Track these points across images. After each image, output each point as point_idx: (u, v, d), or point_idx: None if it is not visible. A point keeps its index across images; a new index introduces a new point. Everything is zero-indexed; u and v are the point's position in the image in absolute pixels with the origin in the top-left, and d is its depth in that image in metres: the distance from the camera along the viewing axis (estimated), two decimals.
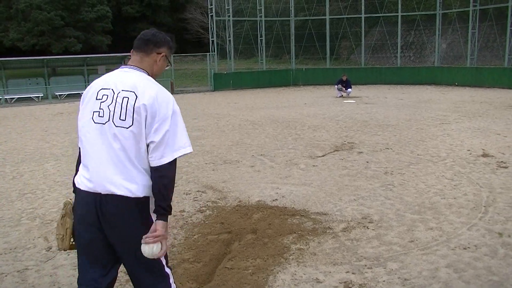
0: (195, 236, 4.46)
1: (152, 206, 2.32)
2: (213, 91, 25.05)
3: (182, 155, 2.31)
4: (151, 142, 2.23)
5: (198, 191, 6.09)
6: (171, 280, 2.46)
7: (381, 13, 26.89)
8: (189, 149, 2.35)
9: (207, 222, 4.86)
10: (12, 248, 4.37)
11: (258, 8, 26.72)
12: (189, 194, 5.96)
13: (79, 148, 2.43)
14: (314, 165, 7.28)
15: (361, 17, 26.56)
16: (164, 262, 2.43)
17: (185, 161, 7.83)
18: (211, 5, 24.77)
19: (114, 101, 2.27)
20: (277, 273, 3.63)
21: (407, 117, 12.32)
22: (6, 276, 3.77)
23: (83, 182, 2.32)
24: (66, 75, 29.01)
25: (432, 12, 25.84)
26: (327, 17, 26.97)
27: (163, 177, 2.25)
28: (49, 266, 3.93)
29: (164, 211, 2.24)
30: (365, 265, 3.71)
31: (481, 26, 23.17)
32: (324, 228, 4.54)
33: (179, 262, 3.86)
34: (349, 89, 19.00)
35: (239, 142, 9.50)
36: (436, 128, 10.37)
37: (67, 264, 3.94)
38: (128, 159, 2.25)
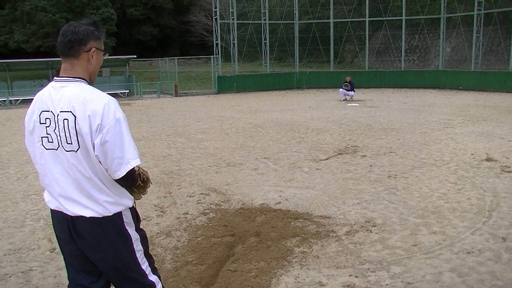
0: (198, 239, 4.46)
1: (126, 219, 2.29)
2: (217, 93, 25.09)
3: (132, 168, 2.21)
4: (97, 156, 2.12)
5: (201, 193, 6.10)
6: (158, 287, 2.44)
7: (385, 17, 26.89)
8: (137, 161, 2.24)
9: (210, 224, 4.87)
10: (16, 249, 4.39)
11: (262, 11, 26.76)
12: (193, 196, 5.98)
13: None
14: (317, 169, 7.28)
15: (365, 20, 26.57)
16: (147, 271, 2.39)
17: (189, 164, 7.85)
18: (216, 8, 24.83)
19: (56, 124, 2.14)
20: (280, 276, 3.63)
21: (411, 121, 12.30)
22: (10, 277, 3.79)
23: (51, 201, 2.28)
24: None
25: (436, 16, 25.83)
26: (331, 20, 26.99)
27: (125, 184, 2.28)
28: (53, 267, 3.95)
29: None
30: (368, 269, 3.70)
31: (485, 30, 23.12)
32: (328, 232, 4.54)
33: (183, 264, 3.87)
34: (351, 92, 18.95)
35: (243, 145, 9.51)
36: (440, 132, 10.35)
37: None
38: (87, 180, 2.17)
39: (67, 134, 2.12)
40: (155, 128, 12.65)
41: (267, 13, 26.68)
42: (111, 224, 2.22)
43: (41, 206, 5.78)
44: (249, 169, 7.37)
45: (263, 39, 26.95)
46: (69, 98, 2.14)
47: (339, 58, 29.01)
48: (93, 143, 2.10)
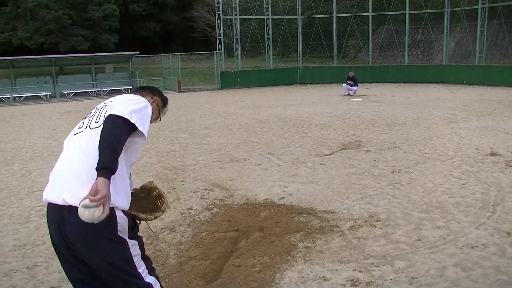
0: (202, 234, 4.47)
1: (120, 227, 2.26)
2: (220, 89, 25.08)
3: (121, 116, 2.23)
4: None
5: (205, 189, 6.11)
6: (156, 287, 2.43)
7: (388, 11, 26.76)
8: (130, 118, 2.25)
9: (214, 220, 4.88)
10: (21, 245, 4.41)
11: (265, 6, 26.70)
12: (197, 192, 5.98)
13: None
14: (321, 164, 7.27)
15: (368, 15, 26.46)
16: (143, 273, 2.37)
17: (192, 159, 7.85)
18: (218, 3, 24.78)
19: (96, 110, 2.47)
20: (284, 270, 3.63)
21: (415, 116, 12.26)
22: (15, 272, 3.81)
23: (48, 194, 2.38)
24: (74, 74, 29.19)
25: (440, 10, 25.68)
26: (335, 15, 26.89)
27: (104, 129, 2.19)
28: (58, 263, 3.95)
29: (103, 166, 2.07)
30: (372, 263, 3.70)
31: (489, 24, 22.99)
32: (331, 226, 4.54)
33: (187, 259, 3.88)
34: (355, 87, 18.89)
35: (246, 140, 9.51)
36: (444, 127, 10.32)
37: None
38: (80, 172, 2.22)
39: (97, 116, 2.38)
40: (158, 124, 12.60)
41: (270, 8, 26.60)
42: (101, 223, 2.09)
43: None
44: (253, 165, 7.38)
45: (266, 35, 26.90)
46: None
47: (342, 53, 28.94)
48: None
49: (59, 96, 23.73)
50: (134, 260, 2.34)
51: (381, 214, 4.87)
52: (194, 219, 4.93)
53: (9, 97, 22.87)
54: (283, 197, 5.58)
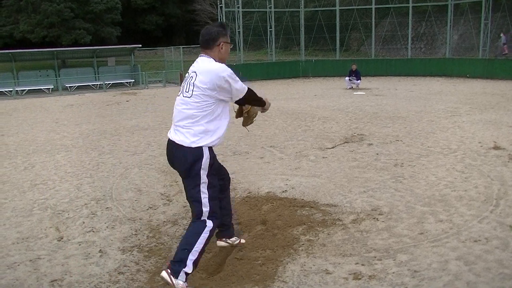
0: None
1: (205, 160, 3.16)
2: None
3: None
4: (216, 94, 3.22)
5: None
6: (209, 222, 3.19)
7: (391, 4, 26.60)
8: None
9: None
10: (24, 238, 4.42)
11: None
12: None
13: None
14: (324, 157, 7.26)
15: (371, 8, 26.30)
16: (204, 200, 3.17)
17: None
18: None
19: (186, 80, 3.29)
20: (287, 264, 3.63)
21: (418, 109, 12.22)
22: (18, 265, 3.82)
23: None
24: (76, 67, 29.16)
25: (444, 3, 25.50)
26: (337, 8, 26.76)
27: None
28: (61, 255, 3.98)
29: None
30: (375, 257, 3.70)
31: (493, 17, 22.83)
32: (334, 220, 4.54)
33: None
34: (358, 81, 18.84)
35: (249, 133, 9.49)
36: (446, 120, 10.28)
37: (79, 254, 3.99)
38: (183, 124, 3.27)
39: (188, 86, 3.19)
40: (161, 117, 12.66)
41: (272, 1, 26.48)
42: (192, 153, 3.15)
43: (48, 195, 5.82)
44: (255, 158, 7.37)
45: (268, 28, 26.79)
46: (202, 66, 3.20)
47: (345, 46, 28.76)
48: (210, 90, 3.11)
49: (62, 89, 23.73)
50: (201, 187, 3.21)
51: (383, 207, 4.87)
52: None
53: (11, 91, 22.88)
54: (285, 190, 5.58)
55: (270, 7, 26.59)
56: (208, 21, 39.97)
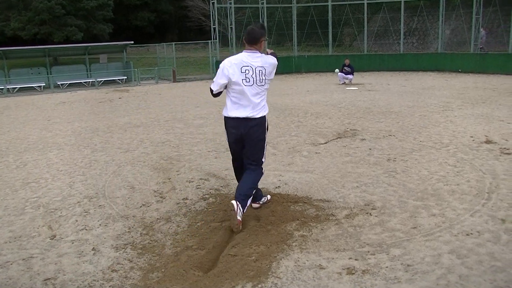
0: (198, 224, 4.48)
1: (266, 123, 4.53)
2: None
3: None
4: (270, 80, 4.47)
5: (201, 178, 6.10)
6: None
7: None
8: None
9: (210, 209, 4.88)
10: (16, 237, 4.40)
11: None
12: (192, 182, 5.98)
13: (227, 94, 4.43)
14: (316, 152, 7.28)
15: (363, 3, 26.29)
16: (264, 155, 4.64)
17: (188, 149, 7.84)
18: None
19: (254, 73, 4.23)
20: (281, 259, 3.64)
21: (410, 104, 12.27)
22: (11, 264, 3.80)
23: (234, 113, 4.34)
24: (68, 64, 28.96)
25: None
26: (330, 3, 26.72)
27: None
28: (54, 254, 3.96)
29: None
30: (368, 252, 3.72)
31: (485, 12, 22.91)
32: (327, 215, 4.55)
33: (183, 249, 3.89)
34: (350, 76, 18.86)
35: None
36: (439, 115, 10.33)
37: (72, 252, 3.97)
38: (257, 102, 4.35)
39: (260, 77, 4.27)
40: (153, 114, 12.61)
41: None
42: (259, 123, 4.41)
43: (40, 193, 5.79)
44: None
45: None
46: (262, 61, 4.29)
47: (338, 42, 28.74)
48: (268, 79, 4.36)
49: (53, 87, 23.56)
50: (264, 145, 4.58)
51: (376, 202, 4.89)
52: (190, 209, 4.93)
53: (2, 88, 22.68)
54: (278, 186, 5.58)
55: (263, 3, 26.53)
56: (201, 17, 39.89)
